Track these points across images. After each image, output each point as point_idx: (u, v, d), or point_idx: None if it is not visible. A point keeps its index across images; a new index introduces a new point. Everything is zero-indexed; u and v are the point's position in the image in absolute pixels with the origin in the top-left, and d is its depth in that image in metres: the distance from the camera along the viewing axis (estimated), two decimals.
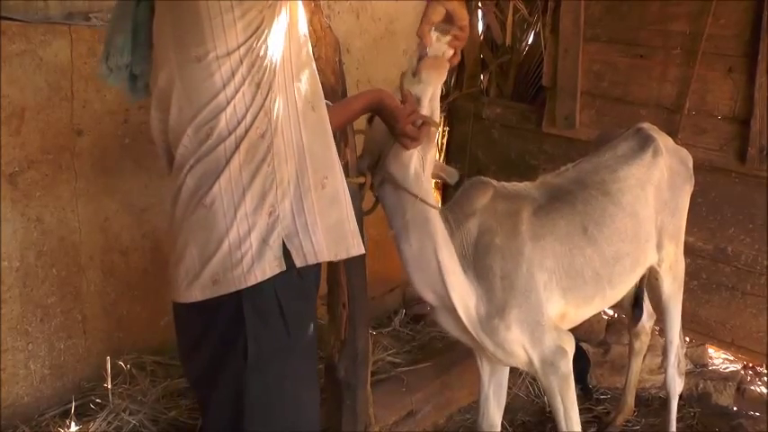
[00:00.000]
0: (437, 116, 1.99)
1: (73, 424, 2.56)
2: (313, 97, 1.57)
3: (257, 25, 1.41)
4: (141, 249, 2.89)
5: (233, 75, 1.41)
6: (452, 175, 2.26)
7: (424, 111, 1.93)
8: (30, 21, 2.44)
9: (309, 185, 1.52)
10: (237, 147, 1.43)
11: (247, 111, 1.43)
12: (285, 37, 1.49)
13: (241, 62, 1.41)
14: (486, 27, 4.18)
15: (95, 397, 2.69)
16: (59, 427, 2.56)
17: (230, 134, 1.43)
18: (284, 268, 1.47)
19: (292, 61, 1.51)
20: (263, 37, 1.43)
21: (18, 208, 2.51)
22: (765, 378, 3.44)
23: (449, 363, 3.19)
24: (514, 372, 2.94)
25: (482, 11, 4.09)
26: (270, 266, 1.45)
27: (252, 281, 1.44)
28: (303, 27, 1.58)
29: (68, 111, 2.58)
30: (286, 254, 1.48)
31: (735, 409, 3.26)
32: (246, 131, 1.43)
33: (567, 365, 2.20)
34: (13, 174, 2.47)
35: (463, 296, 2.11)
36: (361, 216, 2.13)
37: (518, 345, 2.16)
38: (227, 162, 1.43)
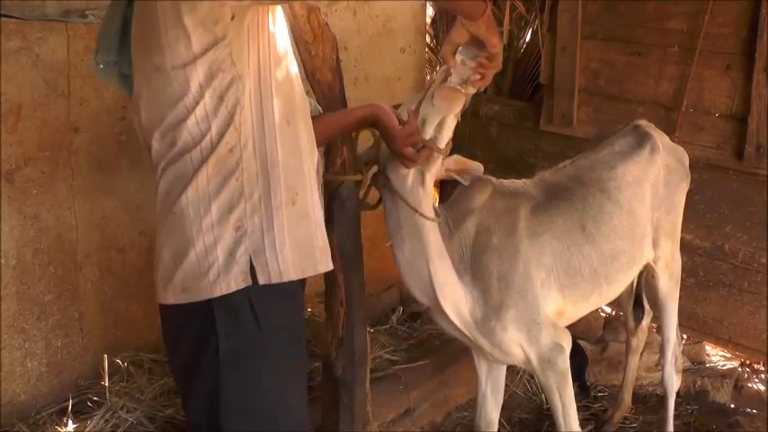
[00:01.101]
0: (444, 143, 1.96)
1: (70, 422, 2.56)
2: (290, 112, 1.54)
3: (216, 38, 1.39)
4: (138, 247, 2.88)
5: (189, 86, 1.41)
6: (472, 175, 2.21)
7: (427, 135, 1.90)
8: (26, 18, 2.44)
9: (281, 202, 1.50)
10: (205, 160, 1.43)
11: (211, 123, 1.42)
12: (260, 50, 1.46)
13: (198, 74, 1.40)
14: None
15: (92, 395, 2.68)
16: (56, 424, 2.56)
17: (196, 145, 1.43)
18: (250, 283, 1.47)
19: (271, 75, 1.49)
20: (227, 50, 1.41)
21: (15, 205, 2.50)
22: (763, 375, 3.44)
23: (446, 360, 3.18)
24: (512, 369, 2.93)
25: None
26: (236, 281, 1.46)
27: (218, 292, 1.45)
28: (284, 41, 1.55)
29: (65, 108, 2.57)
30: (253, 269, 1.48)
31: (732, 406, 3.25)
32: (214, 146, 1.43)
33: (565, 362, 2.20)
34: (9, 171, 2.47)
35: (456, 303, 2.12)
36: (358, 212, 2.13)
37: (515, 344, 2.16)
38: (195, 173, 1.44)
